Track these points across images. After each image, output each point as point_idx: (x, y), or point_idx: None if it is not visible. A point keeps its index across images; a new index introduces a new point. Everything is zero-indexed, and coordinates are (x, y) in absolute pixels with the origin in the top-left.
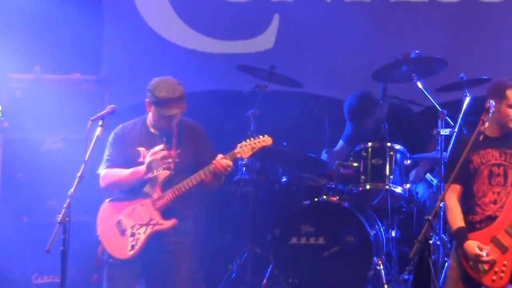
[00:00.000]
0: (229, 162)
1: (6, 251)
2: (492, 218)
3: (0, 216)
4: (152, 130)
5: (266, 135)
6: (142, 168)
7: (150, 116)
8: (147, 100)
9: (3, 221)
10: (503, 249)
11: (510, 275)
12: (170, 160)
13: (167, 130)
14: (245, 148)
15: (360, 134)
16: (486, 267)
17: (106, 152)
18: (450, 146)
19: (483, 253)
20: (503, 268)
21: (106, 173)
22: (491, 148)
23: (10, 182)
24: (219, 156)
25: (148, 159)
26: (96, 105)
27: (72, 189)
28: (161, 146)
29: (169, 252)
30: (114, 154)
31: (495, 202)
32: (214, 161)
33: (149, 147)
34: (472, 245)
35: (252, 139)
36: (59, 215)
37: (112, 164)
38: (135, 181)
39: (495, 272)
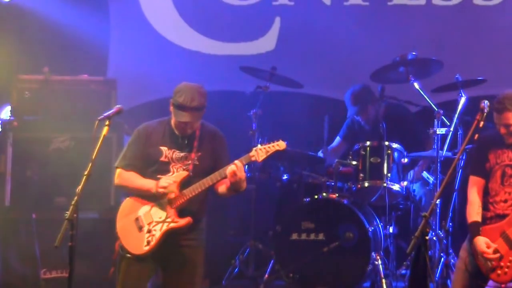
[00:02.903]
0: (235, 168)
1: (16, 247)
2: (501, 216)
3: (10, 212)
4: (176, 131)
5: (280, 140)
6: (154, 190)
7: None
8: (171, 100)
9: (13, 218)
10: (511, 244)
11: None
12: (190, 162)
13: (185, 134)
14: (260, 152)
15: (358, 130)
16: (493, 264)
17: (126, 149)
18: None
19: (489, 251)
20: (509, 263)
21: (121, 173)
22: (507, 149)
23: (19, 180)
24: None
25: (162, 185)
26: (103, 105)
27: (80, 187)
28: (172, 178)
29: (184, 247)
30: (134, 152)
31: (505, 201)
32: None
33: (171, 147)
34: (481, 242)
35: (267, 143)
36: (67, 212)
37: (128, 162)
38: (145, 193)
39: (501, 267)
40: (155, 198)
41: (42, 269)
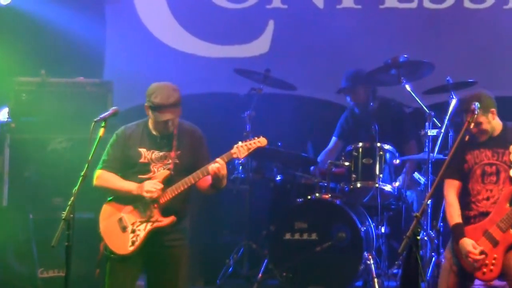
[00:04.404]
0: (219, 166)
1: (13, 247)
2: (485, 214)
3: (8, 212)
4: (154, 132)
5: (261, 136)
6: (135, 191)
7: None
8: (145, 104)
9: (11, 218)
10: (494, 242)
11: (500, 268)
12: (170, 161)
13: (166, 133)
14: (241, 149)
15: (354, 125)
16: (478, 264)
17: (105, 152)
18: (439, 147)
19: (476, 251)
20: (494, 261)
21: (102, 174)
22: (484, 148)
23: (17, 181)
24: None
25: (145, 189)
26: (99, 107)
27: (77, 187)
28: (160, 184)
29: (168, 247)
30: (113, 155)
31: (488, 199)
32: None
33: (150, 148)
34: (468, 243)
35: (248, 140)
36: (63, 212)
37: (109, 165)
38: (125, 194)
39: (486, 265)
40: (137, 198)
41: (39, 268)
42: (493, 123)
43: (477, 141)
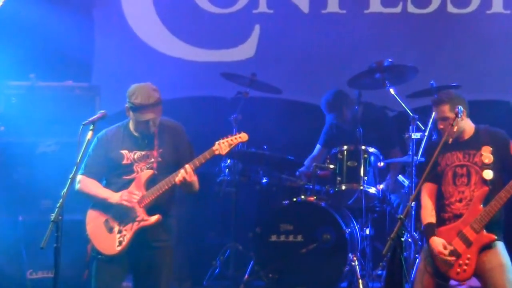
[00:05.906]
0: (185, 175)
1: (3, 248)
2: (459, 216)
3: None
4: (134, 133)
5: (242, 132)
6: (113, 199)
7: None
8: (126, 105)
9: (0, 220)
10: (467, 243)
11: (474, 268)
12: (152, 160)
13: (147, 133)
14: (222, 145)
15: (338, 133)
16: (451, 259)
17: (87, 157)
18: (422, 150)
19: (446, 252)
20: (467, 261)
21: (83, 180)
22: (456, 150)
23: (6, 183)
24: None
25: (122, 199)
26: (87, 110)
27: (65, 190)
28: (136, 193)
29: (155, 248)
30: (95, 159)
31: (460, 201)
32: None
33: (132, 149)
34: (437, 242)
35: (229, 136)
36: (52, 214)
37: (90, 170)
38: (102, 201)
39: (460, 265)
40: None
41: (28, 269)
42: (463, 124)
43: (450, 143)
